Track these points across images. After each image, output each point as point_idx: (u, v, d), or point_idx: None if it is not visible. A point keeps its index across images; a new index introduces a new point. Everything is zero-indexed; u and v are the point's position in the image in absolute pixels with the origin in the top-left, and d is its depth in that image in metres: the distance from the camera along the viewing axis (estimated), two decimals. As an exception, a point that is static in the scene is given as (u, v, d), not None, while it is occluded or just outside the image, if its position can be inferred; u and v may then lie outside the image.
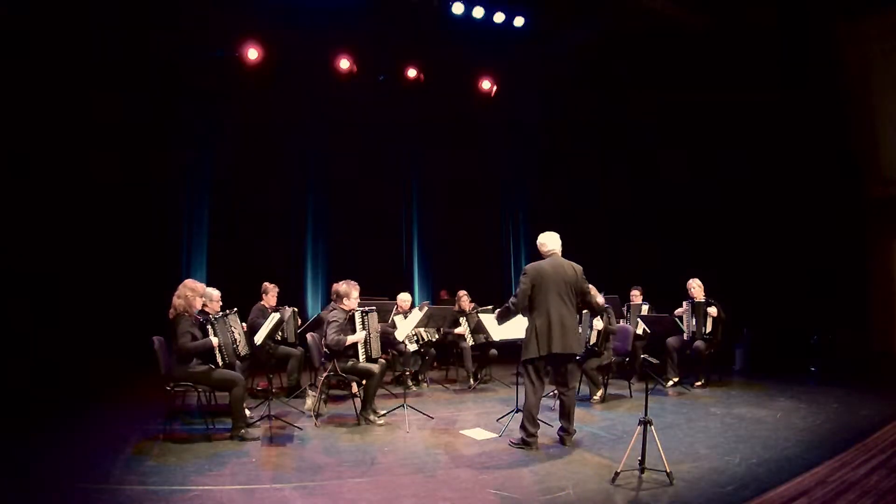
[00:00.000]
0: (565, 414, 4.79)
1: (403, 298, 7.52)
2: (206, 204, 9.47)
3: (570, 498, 3.63)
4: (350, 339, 5.42)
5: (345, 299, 5.57)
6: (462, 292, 7.82)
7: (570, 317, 4.69)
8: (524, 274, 4.73)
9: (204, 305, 5.25)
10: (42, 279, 7.62)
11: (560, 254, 4.86)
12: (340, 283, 5.69)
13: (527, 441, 4.64)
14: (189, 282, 5.02)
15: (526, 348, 4.67)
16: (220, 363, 4.90)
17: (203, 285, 5.11)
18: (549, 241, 4.86)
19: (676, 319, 7.17)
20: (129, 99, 8.44)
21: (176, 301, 4.85)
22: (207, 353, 4.87)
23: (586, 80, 10.84)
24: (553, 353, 4.59)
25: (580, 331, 6.29)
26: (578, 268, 4.81)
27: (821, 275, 8.60)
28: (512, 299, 4.78)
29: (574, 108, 11.21)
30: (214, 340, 4.86)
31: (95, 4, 7.86)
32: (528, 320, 4.73)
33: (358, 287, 5.68)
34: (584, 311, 6.38)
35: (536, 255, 4.96)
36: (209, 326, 4.94)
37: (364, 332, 5.51)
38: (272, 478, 3.99)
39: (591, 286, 6.65)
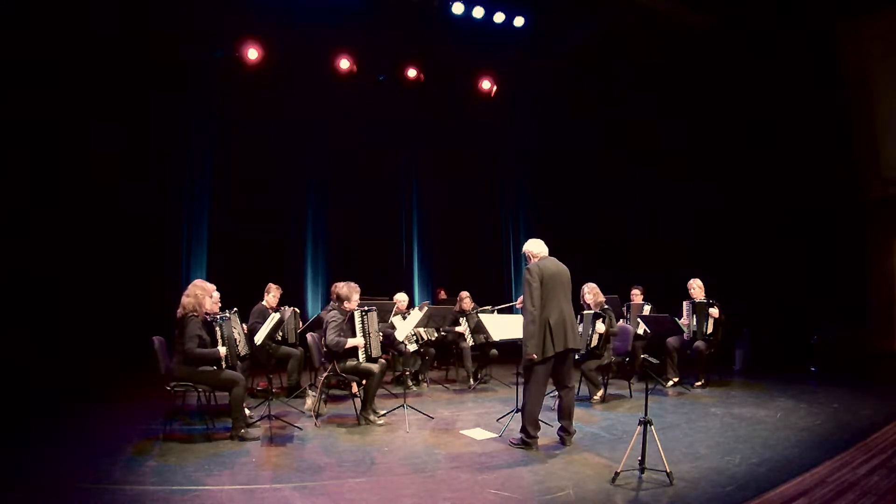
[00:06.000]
0: (566, 413, 4.79)
1: (400, 299, 7.53)
2: (206, 204, 9.47)
3: (570, 498, 3.63)
4: (351, 342, 5.41)
5: (346, 302, 5.55)
6: (464, 293, 7.82)
7: (573, 314, 4.78)
8: (529, 274, 4.64)
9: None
10: (42, 279, 7.62)
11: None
12: (341, 284, 5.64)
13: (526, 441, 4.65)
14: (199, 282, 5.03)
15: (539, 348, 4.54)
16: (224, 366, 4.91)
17: (213, 286, 5.11)
18: (539, 247, 4.87)
19: (676, 320, 7.16)
20: (128, 99, 8.43)
21: (185, 300, 4.85)
22: (214, 360, 4.89)
23: (586, 79, 10.84)
24: (568, 348, 4.65)
25: (580, 331, 6.32)
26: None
27: (821, 275, 8.60)
28: (530, 308, 4.56)
29: (574, 108, 11.21)
30: (222, 351, 4.88)
31: (96, 4, 7.86)
32: (535, 320, 4.58)
33: (358, 290, 5.66)
34: (586, 312, 6.39)
35: (530, 260, 4.95)
36: (217, 328, 4.94)
37: (363, 336, 5.51)
38: (272, 478, 3.99)
39: (593, 285, 6.71)
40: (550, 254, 4.89)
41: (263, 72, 9.41)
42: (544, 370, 4.64)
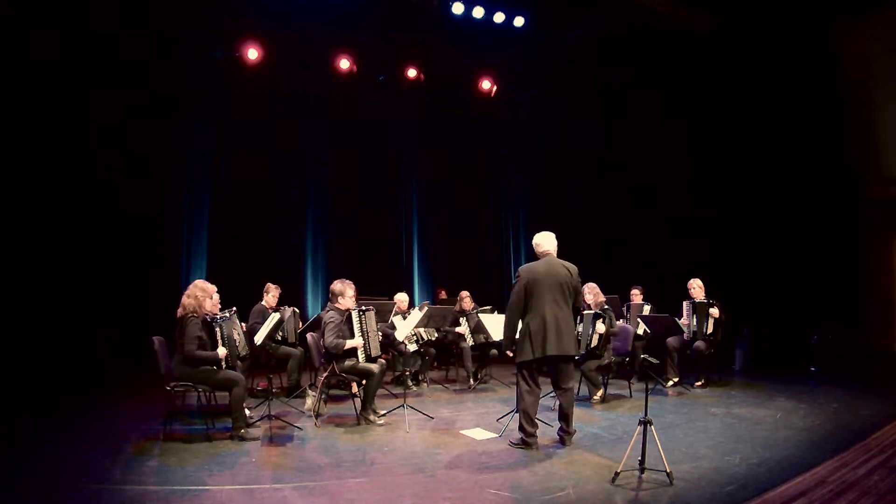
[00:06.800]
0: (564, 415, 4.79)
1: (401, 298, 7.54)
2: (206, 204, 9.46)
3: (570, 498, 3.63)
4: (349, 343, 5.41)
5: (340, 298, 5.58)
6: (464, 293, 7.82)
7: (566, 318, 4.65)
8: (517, 276, 4.75)
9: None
10: (42, 279, 7.62)
11: (555, 254, 4.83)
12: (336, 282, 5.69)
13: (526, 441, 4.64)
14: (200, 282, 5.02)
15: (520, 351, 4.65)
16: (224, 367, 4.91)
17: (214, 287, 5.11)
18: (544, 242, 4.84)
19: (676, 320, 7.16)
20: (129, 99, 8.43)
21: (185, 300, 4.85)
22: (214, 362, 4.89)
23: (586, 79, 10.84)
24: (548, 354, 4.57)
25: (580, 331, 6.27)
26: (573, 268, 4.76)
27: (820, 275, 8.60)
28: (509, 305, 4.76)
29: (574, 108, 11.21)
30: (222, 352, 4.89)
31: (96, 4, 7.86)
32: (521, 322, 4.72)
33: (353, 285, 5.68)
34: (586, 312, 6.38)
35: (536, 255, 4.96)
36: (217, 329, 4.94)
37: (362, 338, 5.51)
38: (272, 478, 3.99)
39: (593, 285, 6.69)
40: (552, 254, 4.89)
41: (263, 72, 9.41)
42: (528, 371, 4.67)
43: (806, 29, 8.57)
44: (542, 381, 4.85)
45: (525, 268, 4.78)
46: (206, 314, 5.00)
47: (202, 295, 4.90)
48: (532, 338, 4.59)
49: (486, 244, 11.90)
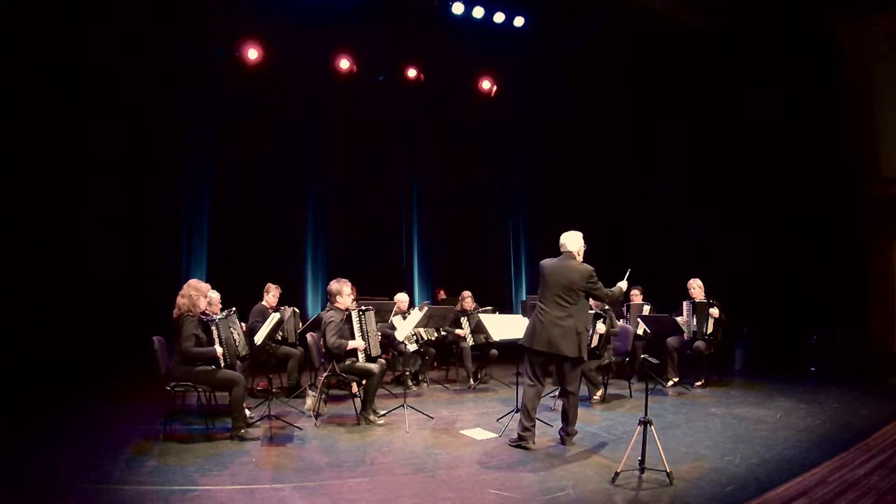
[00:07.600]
0: (564, 416, 4.80)
1: (401, 299, 7.54)
2: (206, 204, 9.46)
3: (570, 498, 3.63)
4: (351, 344, 5.43)
5: (338, 297, 5.60)
6: (466, 293, 7.82)
7: (565, 318, 4.58)
8: None
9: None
10: (42, 279, 7.62)
11: (578, 254, 4.81)
12: (332, 282, 5.71)
13: (522, 436, 4.65)
14: (193, 282, 5.02)
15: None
16: (223, 365, 4.92)
17: (207, 286, 5.11)
18: (566, 241, 4.87)
19: (676, 319, 7.16)
20: (128, 99, 8.43)
21: (180, 301, 4.86)
22: (210, 359, 4.89)
23: (586, 80, 10.84)
24: (535, 348, 4.62)
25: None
26: (586, 269, 4.69)
27: (820, 275, 8.60)
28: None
29: (574, 109, 11.21)
30: (219, 350, 4.88)
31: (96, 4, 7.86)
32: None
33: (350, 284, 5.71)
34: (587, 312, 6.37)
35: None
36: (213, 328, 4.94)
37: (363, 340, 5.51)
38: (272, 478, 3.99)
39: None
40: (549, 254, 4.91)
41: (263, 72, 9.41)
42: (527, 361, 4.74)
43: (806, 29, 8.57)
44: (545, 381, 4.85)
45: (541, 262, 4.89)
46: (203, 313, 5.00)
47: (196, 294, 4.90)
48: (528, 328, 4.75)
49: (486, 244, 11.89)
